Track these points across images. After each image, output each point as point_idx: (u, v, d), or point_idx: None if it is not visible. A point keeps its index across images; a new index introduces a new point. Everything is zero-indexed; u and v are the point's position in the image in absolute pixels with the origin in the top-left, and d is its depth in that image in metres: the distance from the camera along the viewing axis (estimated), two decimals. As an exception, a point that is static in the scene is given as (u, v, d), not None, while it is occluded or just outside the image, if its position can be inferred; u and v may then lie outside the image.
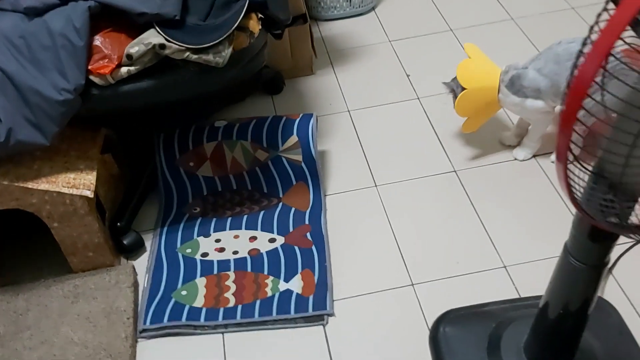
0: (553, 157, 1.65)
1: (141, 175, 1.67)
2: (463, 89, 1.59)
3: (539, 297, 1.10)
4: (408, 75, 1.99)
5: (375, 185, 1.66)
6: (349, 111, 1.89)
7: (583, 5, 2.18)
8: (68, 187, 1.31)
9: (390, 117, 1.86)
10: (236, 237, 1.54)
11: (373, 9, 2.26)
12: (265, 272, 1.45)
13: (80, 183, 1.33)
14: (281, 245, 1.50)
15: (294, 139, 1.60)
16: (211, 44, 1.24)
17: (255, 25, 1.35)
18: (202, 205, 1.61)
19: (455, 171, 1.68)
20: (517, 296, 1.38)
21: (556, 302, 1.04)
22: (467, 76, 1.60)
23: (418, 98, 1.91)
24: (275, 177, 1.62)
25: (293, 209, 1.58)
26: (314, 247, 1.49)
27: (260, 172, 1.62)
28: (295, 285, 1.41)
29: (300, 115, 1.64)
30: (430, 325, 1.32)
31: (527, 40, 2.05)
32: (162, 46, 1.24)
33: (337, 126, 1.84)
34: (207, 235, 1.55)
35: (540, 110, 1.54)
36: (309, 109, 1.91)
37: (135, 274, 1.47)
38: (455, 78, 1.65)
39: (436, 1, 2.27)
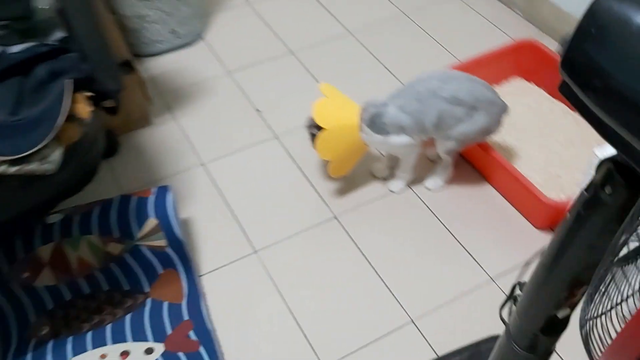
0: (427, 183, 1.59)
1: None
2: (322, 129, 1.46)
3: (456, 354, 1.01)
4: (258, 111, 1.80)
5: (255, 251, 1.47)
6: (203, 164, 1.66)
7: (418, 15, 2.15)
8: None
9: (251, 163, 1.66)
10: (103, 356, 1.25)
11: (201, 37, 2.02)
12: (151, 396, 1.20)
13: None
14: (162, 355, 1.25)
15: (152, 222, 1.34)
16: (32, 150, 0.95)
17: (84, 108, 1.07)
18: (50, 324, 1.30)
19: (335, 217, 1.54)
20: (435, 356, 1.29)
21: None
22: (324, 116, 1.47)
23: (276, 137, 1.73)
24: (136, 271, 1.35)
25: (166, 304, 1.34)
26: (201, 349, 1.26)
27: (116, 268, 1.34)
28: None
29: (154, 191, 1.38)
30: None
31: (369, 54, 1.97)
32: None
33: (194, 185, 1.61)
34: (65, 363, 1.25)
35: (405, 145, 1.46)
36: (155, 169, 1.64)
37: None
38: (312, 118, 1.51)
39: (268, 21, 2.09)
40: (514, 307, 0.87)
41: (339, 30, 2.05)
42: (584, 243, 0.65)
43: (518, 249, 1.47)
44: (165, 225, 1.35)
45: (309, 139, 1.55)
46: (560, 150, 1.64)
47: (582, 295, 0.74)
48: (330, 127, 1.45)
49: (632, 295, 0.52)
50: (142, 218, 1.34)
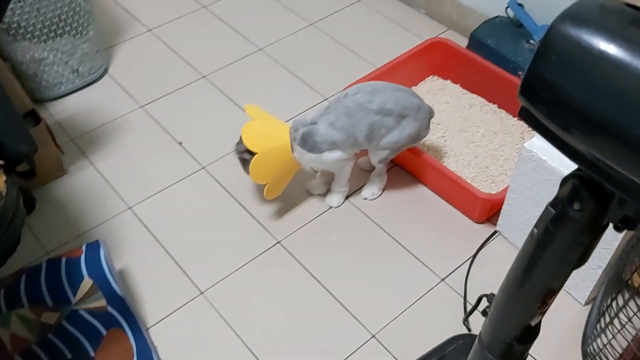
0: (364, 193, 1.59)
1: None
2: (253, 153, 1.42)
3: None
4: (180, 143, 1.72)
5: (201, 292, 1.41)
6: (130, 208, 1.56)
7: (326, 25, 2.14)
8: None
9: (181, 200, 1.59)
10: None
11: (106, 72, 1.91)
12: None
13: None
14: (122, 423, 1.17)
15: (87, 283, 1.25)
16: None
17: (-3, 179, 0.97)
18: (-12, 413, 1.18)
19: (278, 242, 1.50)
20: (402, 367, 1.29)
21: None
22: (254, 139, 1.43)
23: (203, 167, 1.66)
24: (77, 337, 1.25)
25: (116, 366, 1.25)
26: (164, 407, 1.19)
27: (55, 339, 1.23)
28: None
29: (83, 249, 1.29)
30: None
31: (283, 69, 1.94)
32: None
33: (124, 232, 1.51)
34: None
35: (339, 160, 1.45)
36: (79, 221, 1.53)
37: None
38: (241, 142, 1.46)
39: (174, 47, 2.00)
40: (484, 318, 0.87)
41: (249, 48, 2.01)
42: (555, 256, 0.65)
43: (462, 245, 1.50)
44: (102, 284, 1.26)
45: (240, 164, 1.50)
46: (484, 143, 1.68)
47: (553, 300, 0.75)
48: (262, 150, 1.41)
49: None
50: (75, 281, 1.24)
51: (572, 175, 0.60)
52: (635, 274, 0.64)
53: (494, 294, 0.85)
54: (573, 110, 0.49)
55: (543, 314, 0.79)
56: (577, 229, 0.61)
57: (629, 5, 0.49)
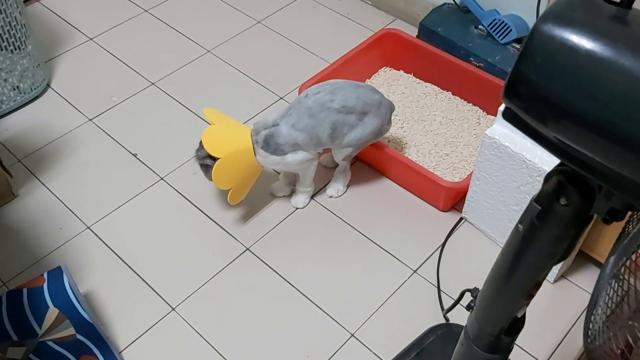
0: (328, 191, 1.58)
1: None
2: (214, 159, 1.38)
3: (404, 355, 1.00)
4: (135, 155, 1.66)
5: (173, 309, 1.36)
6: (89, 228, 1.50)
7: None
8: None
9: (141, 214, 1.54)
10: None
11: (48, 86, 1.82)
12: None
13: None
14: None
15: (53, 312, 1.19)
16: None
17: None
18: None
19: (247, 249, 1.47)
20: (384, 364, 1.29)
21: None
22: (216, 144, 1.39)
23: (162, 178, 1.61)
24: (48, 369, 1.19)
25: (92, 395, 1.20)
26: None
27: (24, 373, 1.18)
28: None
29: (45, 276, 1.23)
30: None
31: (234, 69, 1.90)
32: None
33: (85, 254, 1.45)
34: None
35: (303, 160, 1.43)
36: (36, 246, 1.46)
37: None
38: (201, 148, 1.43)
39: (117, 54, 1.93)
40: (462, 309, 0.88)
41: (196, 51, 1.95)
42: (542, 251, 0.65)
43: (430, 235, 1.51)
44: (68, 312, 1.20)
45: (201, 171, 1.46)
46: (443, 130, 1.69)
47: (538, 290, 0.76)
48: (224, 155, 1.37)
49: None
50: (40, 311, 1.18)
51: (556, 171, 0.60)
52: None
53: (477, 289, 0.86)
54: (562, 111, 0.49)
55: (528, 304, 0.79)
56: (564, 223, 0.61)
57: (608, 1, 0.49)
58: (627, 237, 0.55)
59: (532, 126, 0.53)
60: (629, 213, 0.63)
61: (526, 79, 0.49)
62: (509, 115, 0.54)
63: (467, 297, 0.92)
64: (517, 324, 0.80)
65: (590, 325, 0.58)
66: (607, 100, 0.46)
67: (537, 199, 0.62)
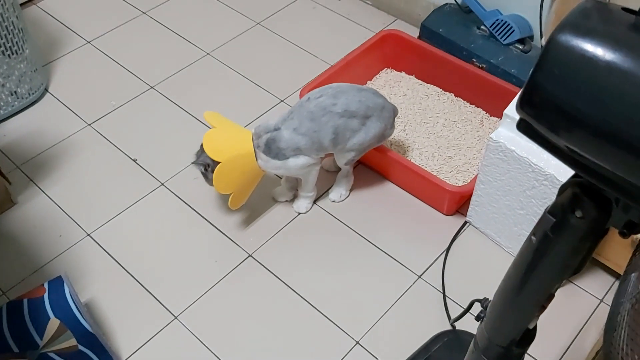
0: (331, 195, 1.56)
1: None
2: (215, 162, 1.36)
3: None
4: (134, 160, 1.64)
5: (175, 317, 1.35)
6: (89, 235, 1.48)
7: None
8: None
9: (142, 220, 1.52)
10: None
11: (46, 90, 1.80)
12: None
13: None
14: None
15: (54, 323, 1.17)
16: None
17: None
18: None
19: (250, 255, 1.46)
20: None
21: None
22: (217, 148, 1.37)
23: (162, 184, 1.59)
24: (49, 380, 1.18)
25: (94, 406, 1.18)
26: None
27: (25, 385, 1.16)
28: None
29: (46, 286, 1.21)
30: None
31: (234, 72, 1.88)
32: None
33: (86, 262, 1.43)
34: None
35: (305, 165, 1.41)
36: (35, 255, 1.44)
37: None
38: (202, 152, 1.41)
39: (116, 58, 1.91)
40: (478, 322, 0.86)
41: (196, 54, 1.93)
42: (555, 263, 0.64)
43: (434, 239, 1.49)
44: (70, 323, 1.18)
45: (202, 175, 1.45)
46: (446, 133, 1.67)
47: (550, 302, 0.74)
48: (225, 159, 1.36)
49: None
50: (41, 322, 1.16)
51: (571, 183, 0.58)
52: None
53: (487, 299, 0.84)
54: (580, 122, 0.47)
55: (539, 315, 0.78)
56: (579, 236, 0.59)
57: (625, 9, 0.47)
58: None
59: (548, 138, 0.52)
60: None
61: (542, 90, 0.48)
62: (523, 127, 0.53)
63: (477, 307, 0.91)
64: (528, 336, 0.79)
65: (611, 345, 0.56)
66: (629, 112, 0.44)
67: (551, 211, 0.61)
